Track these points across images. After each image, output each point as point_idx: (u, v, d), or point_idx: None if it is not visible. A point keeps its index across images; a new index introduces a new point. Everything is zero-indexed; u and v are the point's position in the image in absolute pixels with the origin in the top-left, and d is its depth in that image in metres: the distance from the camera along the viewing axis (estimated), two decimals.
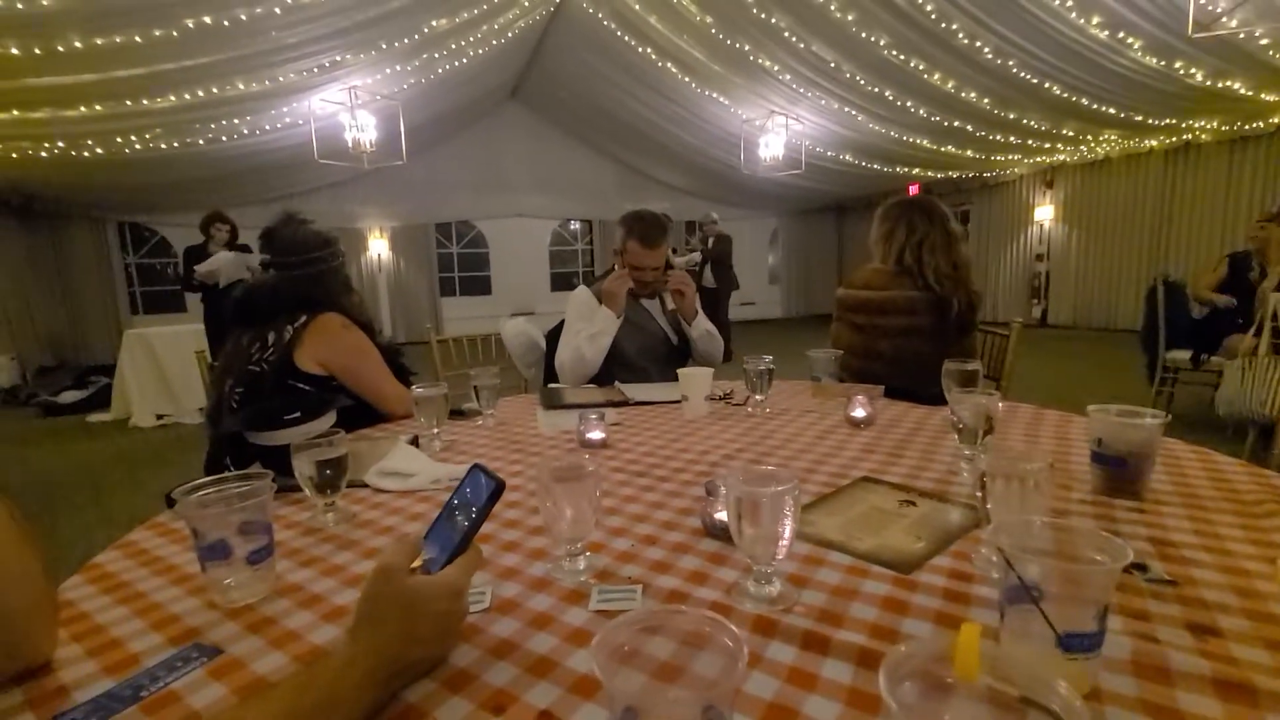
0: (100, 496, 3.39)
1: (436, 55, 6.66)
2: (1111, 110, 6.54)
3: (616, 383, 1.93)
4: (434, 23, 5.97)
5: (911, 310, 1.90)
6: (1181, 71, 5.55)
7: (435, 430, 1.39)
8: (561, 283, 11.82)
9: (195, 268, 4.99)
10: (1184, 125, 7.11)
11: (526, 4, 6.71)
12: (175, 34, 4.56)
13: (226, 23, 4.62)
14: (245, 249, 5.18)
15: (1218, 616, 0.62)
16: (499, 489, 0.62)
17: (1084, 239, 8.83)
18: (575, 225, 12.31)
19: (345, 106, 6.61)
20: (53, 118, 5.36)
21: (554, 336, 2.30)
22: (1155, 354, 3.94)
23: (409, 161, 7.51)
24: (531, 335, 2.50)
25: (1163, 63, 5.40)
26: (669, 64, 7.35)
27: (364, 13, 5.27)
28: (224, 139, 6.66)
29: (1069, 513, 0.89)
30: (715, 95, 7.75)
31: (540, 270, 11.97)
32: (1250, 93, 5.89)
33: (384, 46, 5.97)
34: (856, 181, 10.27)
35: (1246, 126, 6.89)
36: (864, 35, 5.70)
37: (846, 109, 7.36)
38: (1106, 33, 5.06)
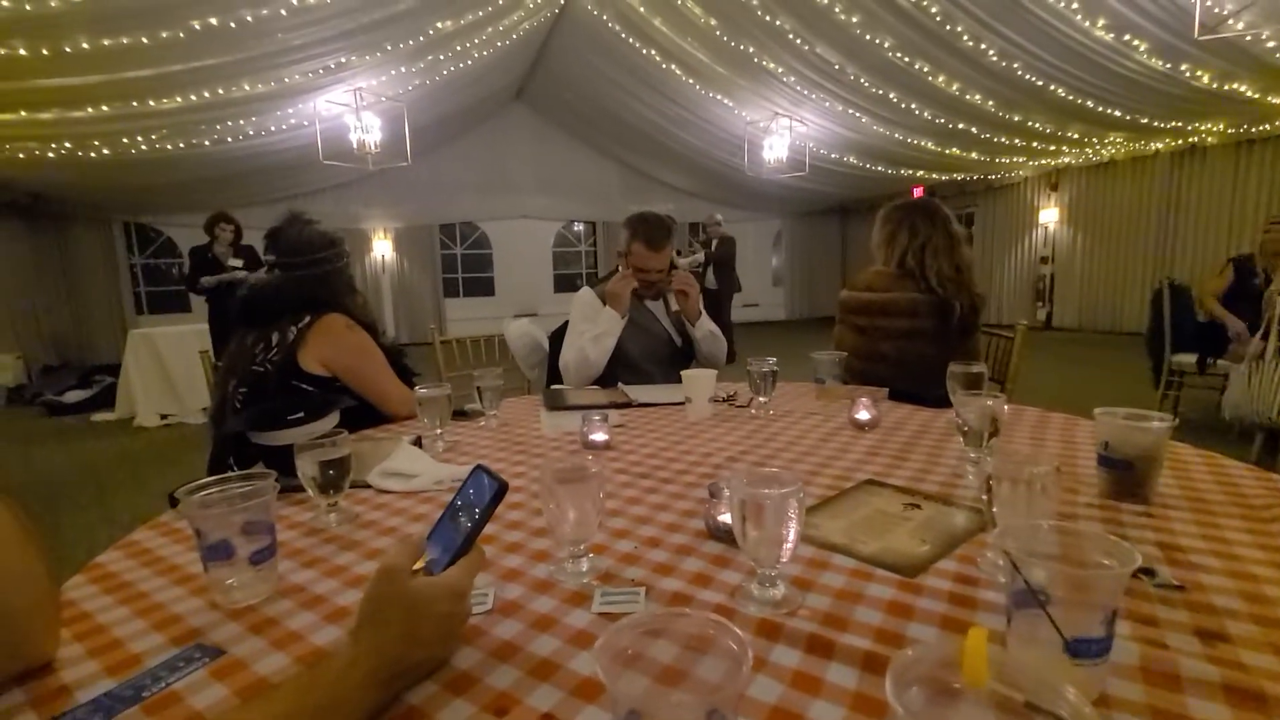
0: (103, 496, 3.40)
1: (442, 57, 6.67)
2: (1117, 112, 6.52)
3: (620, 384, 1.93)
4: (439, 24, 5.99)
5: (914, 312, 1.90)
6: (1187, 74, 5.52)
7: (438, 431, 1.39)
8: (565, 284, 11.84)
9: (203, 280, 5.01)
10: (1190, 128, 7.08)
11: (531, 6, 6.73)
12: (182, 35, 4.58)
13: (233, 24, 4.64)
14: (250, 250, 5.21)
15: (1226, 622, 0.61)
16: (502, 490, 0.61)
17: (1089, 242, 8.80)
18: (579, 227, 12.32)
19: (350, 108, 6.63)
20: (60, 118, 5.39)
21: (557, 338, 2.30)
22: (1161, 357, 3.92)
23: (413, 163, 7.52)
24: (535, 336, 2.50)
25: (1168, 65, 5.38)
26: (673, 66, 7.35)
27: (370, 14, 5.29)
28: (230, 140, 6.68)
29: (1076, 516, 0.89)
30: (719, 97, 7.75)
31: (544, 271, 11.98)
32: (1257, 95, 5.86)
33: (389, 48, 5.99)
34: (860, 184, 10.25)
35: (1253, 129, 6.85)
36: (868, 37, 5.69)
37: (850, 111, 7.35)
38: (1112, 35, 5.04)
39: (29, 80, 4.65)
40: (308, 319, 1.56)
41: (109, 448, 4.45)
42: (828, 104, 7.29)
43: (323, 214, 1.79)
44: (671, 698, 0.46)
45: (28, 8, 3.91)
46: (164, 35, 4.54)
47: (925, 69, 6.05)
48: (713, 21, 6.23)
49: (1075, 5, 4.79)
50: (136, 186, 7.70)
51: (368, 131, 6.70)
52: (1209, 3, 4.16)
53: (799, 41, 6.08)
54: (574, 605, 0.70)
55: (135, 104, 5.45)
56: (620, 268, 2.20)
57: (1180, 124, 6.92)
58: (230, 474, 0.78)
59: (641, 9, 6.56)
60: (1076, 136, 7.47)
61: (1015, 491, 0.72)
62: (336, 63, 5.91)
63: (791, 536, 0.66)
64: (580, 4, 7.06)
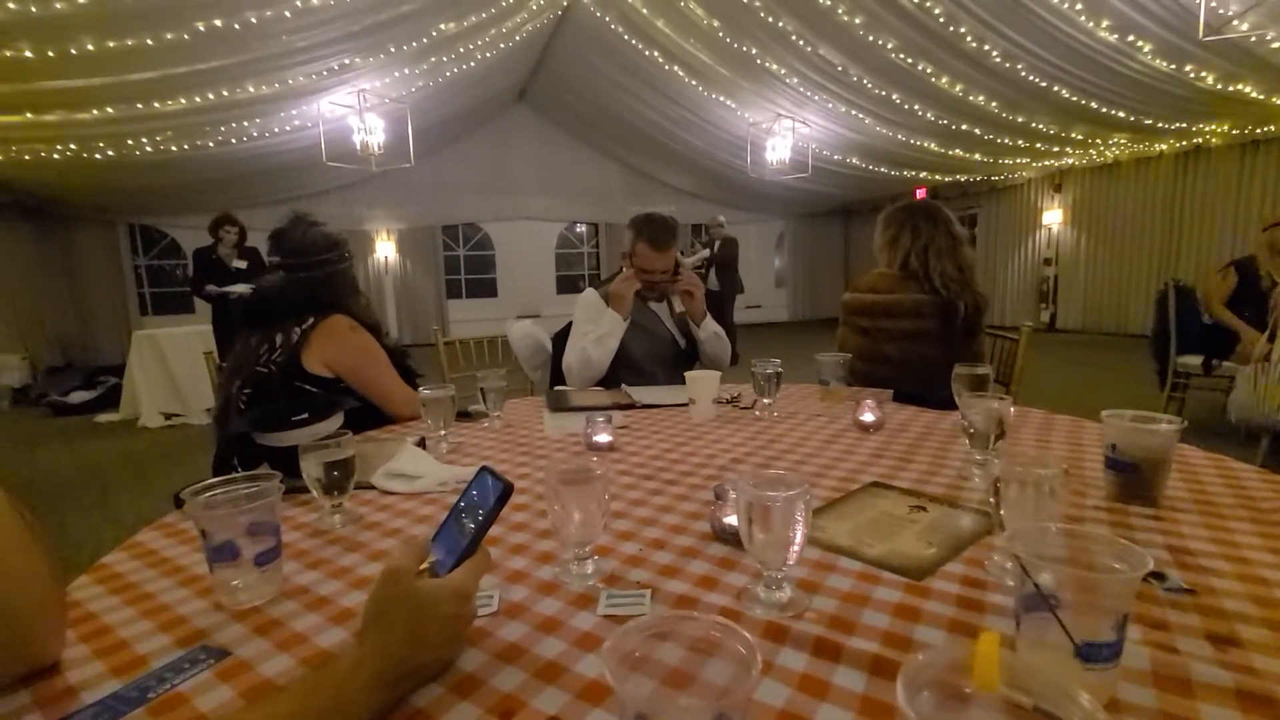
0: (108, 497, 3.41)
1: (445, 58, 6.69)
2: (1121, 114, 6.50)
3: (623, 385, 1.93)
4: (442, 26, 6.00)
5: (918, 313, 1.89)
6: (1192, 75, 5.51)
7: (442, 432, 1.38)
8: (567, 285, 11.85)
9: (209, 288, 5.02)
10: (1194, 129, 7.06)
11: (534, 8, 6.73)
12: (186, 37, 4.60)
13: (237, 26, 4.66)
14: (254, 252, 5.22)
15: (1237, 626, 0.61)
16: (507, 491, 0.61)
17: (1093, 243, 8.78)
18: (581, 228, 12.32)
19: (354, 109, 6.65)
20: (65, 120, 5.41)
21: (561, 339, 2.30)
22: (1166, 359, 3.90)
23: (416, 164, 7.54)
24: (538, 337, 2.50)
25: (1173, 66, 5.36)
26: (676, 67, 7.36)
27: (373, 16, 5.31)
28: (234, 141, 6.71)
29: (1083, 519, 0.88)
30: (722, 98, 7.75)
31: (546, 273, 11.99)
32: (1261, 96, 5.84)
33: (393, 50, 6.00)
34: (863, 185, 10.25)
35: (1258, 130, 6.83)
36: (871, 39, 5.69)
37: (853, 112, 7.35)
38: (1116, 36, 5.03)
39: (34, 82, 4.67)
40: (311, 320, 1.57)
41: (113, 448, 4.46)
42: (830, 105, 7.29)
43: (326, 215, 1.80)
44: (679, 701, 0.45)
45: (33, 10, 3.93)
46: (169, 37, 4.56)
47: (928, 70, 6.04)
48: (715, 23, 6.23)
49: (1079, 6, 4.78)
50: (141, 188, 7.74)
51: (371, 133, 6.71)
52: (1214, 3, 4.15)
53: (801, 43, 6.08)
54: (579, 607, 0.69)
55: (140, 106, 5.47)
56: (624, 269, 2.20)
57: (1184, 125, 6.90)
58: (235, 475, 0.78)
59: (644, 10, 6.57)
60: (1080, 138, 7.45)
61: (1023, 494, 0.72)
62: (340, 64, 5.93)
63: (798, 539, 0.65)
64: (583, 6, 7.07)
